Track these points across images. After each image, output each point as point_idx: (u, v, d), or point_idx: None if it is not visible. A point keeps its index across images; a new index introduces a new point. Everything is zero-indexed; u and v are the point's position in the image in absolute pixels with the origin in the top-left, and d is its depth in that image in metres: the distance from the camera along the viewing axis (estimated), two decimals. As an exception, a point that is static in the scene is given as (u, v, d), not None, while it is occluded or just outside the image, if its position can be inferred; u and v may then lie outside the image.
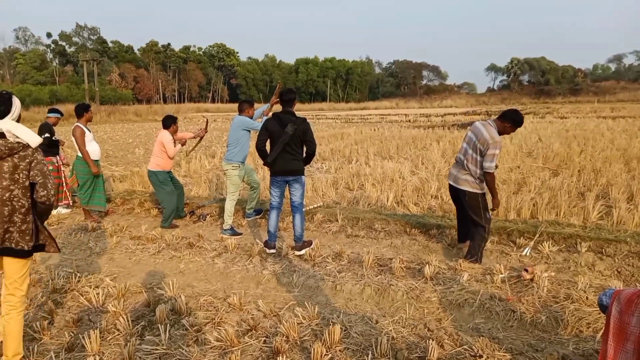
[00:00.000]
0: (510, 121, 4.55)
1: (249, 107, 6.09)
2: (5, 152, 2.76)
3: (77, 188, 6.84)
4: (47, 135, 6.97)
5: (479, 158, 4.56)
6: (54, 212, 7.08)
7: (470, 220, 4.76)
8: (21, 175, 2.81)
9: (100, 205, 6.90)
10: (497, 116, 4.73)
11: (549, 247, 4.99)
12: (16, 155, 2.80)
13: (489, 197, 4.74)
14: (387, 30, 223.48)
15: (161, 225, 6.35)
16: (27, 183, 2.84)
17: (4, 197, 2.78)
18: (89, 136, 6.54)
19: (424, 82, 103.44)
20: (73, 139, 6.54)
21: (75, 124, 6.56)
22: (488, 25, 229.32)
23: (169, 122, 6.46)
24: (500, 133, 4.54)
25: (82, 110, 6.65)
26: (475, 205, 4.65)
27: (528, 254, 4.94)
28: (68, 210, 7.30)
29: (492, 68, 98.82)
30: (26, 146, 2.83)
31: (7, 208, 2.79)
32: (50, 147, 7.02)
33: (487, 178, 4.58)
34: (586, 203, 6.40)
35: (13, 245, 2.83)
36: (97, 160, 6.68)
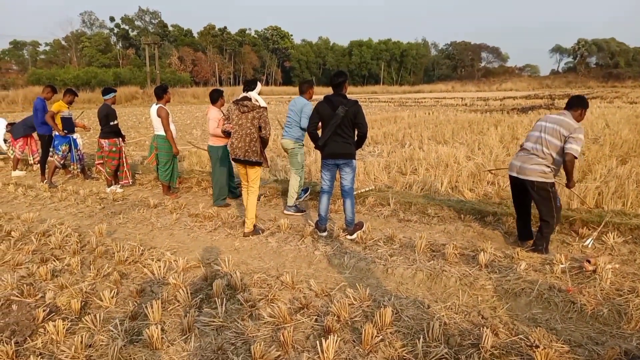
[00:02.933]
0: (581, 107, 4.53)
1: (309, 87, 6.14)
2: (249, 108, 4.99)
3: (156, 166, 7.14)
4: (115, 122, 7.34)
5: (560, 144, 4.37)
6: (109, 189, 7.48)
7: (538, 211, 4.56)
8: (255, 122, 4.99)
9: (174, 182, 7.29)
10: (564, 108, 4.62)
11: (614, 238, 4.74)
12: (254, 111, 5.01)
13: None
14: (445, 11, 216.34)
15: (213, 203, 6.57)
16: (257, 125, 5.00)
17: (247, 132, 4.98)
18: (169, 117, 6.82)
19: (483, 64, 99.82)
20: (154, 119, 6.79)
21: (158, 105, 6.76)
22: (553, 4, 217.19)
23: (216, 97, 6.42)
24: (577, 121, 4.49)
25: (162, 92, 6.89)
26: (545, 196, 4.43)
27: (591, 244, 4.72)
28: (121, 190, 7.55)
29: (557, 49, 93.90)
30: (260, 107, 5.03)
31: (247, 138, 4.97)
32: (114, 130, 7.36)
33: (569, 161, 4.34)
34: (657, 193, 6.01)
35: (252, 159, 5.02)
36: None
